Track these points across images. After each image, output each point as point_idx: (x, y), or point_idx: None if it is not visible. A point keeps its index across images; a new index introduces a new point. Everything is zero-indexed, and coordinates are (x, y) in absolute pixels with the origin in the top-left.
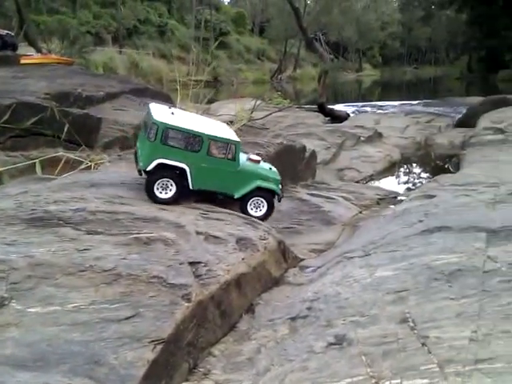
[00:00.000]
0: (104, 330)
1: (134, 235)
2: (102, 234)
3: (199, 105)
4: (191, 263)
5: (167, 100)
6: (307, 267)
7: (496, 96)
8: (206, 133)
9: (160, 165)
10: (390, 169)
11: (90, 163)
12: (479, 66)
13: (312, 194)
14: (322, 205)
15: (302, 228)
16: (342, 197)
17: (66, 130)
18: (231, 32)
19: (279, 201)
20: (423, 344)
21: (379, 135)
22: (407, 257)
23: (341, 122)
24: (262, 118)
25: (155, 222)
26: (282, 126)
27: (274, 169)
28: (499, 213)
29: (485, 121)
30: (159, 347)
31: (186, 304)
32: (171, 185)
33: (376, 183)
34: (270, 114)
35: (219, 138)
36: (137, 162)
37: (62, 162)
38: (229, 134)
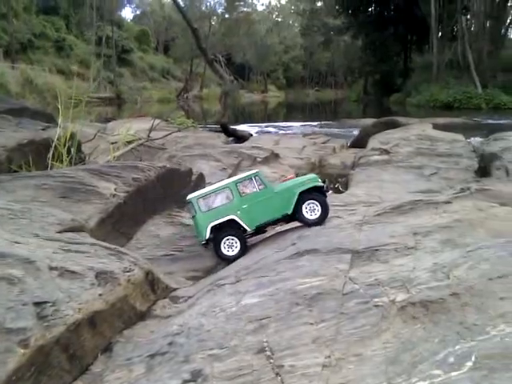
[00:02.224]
0: None
1: None
2: None
3: (96, 124)
4: (36, 303)
5: (49, 120)
6: (179, 297)
7: (386, 118)
8: (230, 181)
9: (213, 228)
10: None
11: None
12: (374, 89)
13: None
14: None
15: (182, 254)
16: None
17: None
18: (134, 49)
19: (327, 191)
20: (277, 374)
21: (276, 156)
22: (274, 282)
23: (244, 142)
24: (160, 138)
25: (1, 259)
26: (179, 147)
27: (310, 174)
28: (365, 234)
29: (374, 142)
30: None
31: (23, 350)
32: (235, 241)
33: None
34: (169, 134)
35: (241, 178)
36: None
37: None
38: (251, 171)
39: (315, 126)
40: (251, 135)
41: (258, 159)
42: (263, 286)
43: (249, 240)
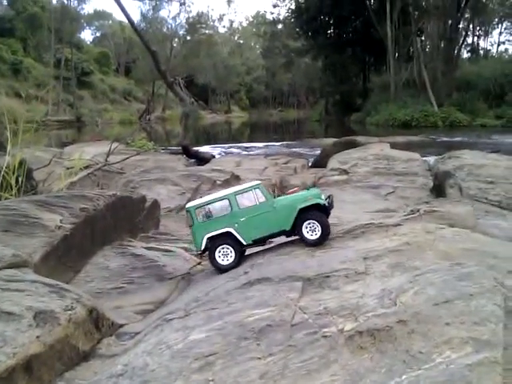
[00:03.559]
0: None
1: None
2: None
3: (52, 148)
4: None
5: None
6: (126, 334)
7: (346, 138)
8: (229, 192)
9: (210, 240)
10: None
11: None
12: (335, 109)
13: (149, 248)
14: (158, 259)
15: (132, 287)
16: (182, 248)
17: None
18: (94, 72)
19: (330, 210)
20: None
21: (236, 178)
22: (223, 315)
23: (206, 163)
24: (118, 162)
25: None
26: (138, 171)
27: (314, 189)
28: (317, 259)
29: (333, 162)
30: None
31: None
32: (230, 250)
33: None
34: (128, 157)
35: (241, 190)
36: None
37: None
38: (252, 183)
39: (278, 146)
40: (213, 157)
41: (218, 182)
42: (212, 320)
43: (248, 249)
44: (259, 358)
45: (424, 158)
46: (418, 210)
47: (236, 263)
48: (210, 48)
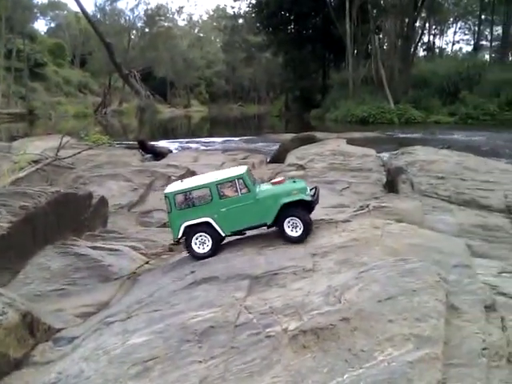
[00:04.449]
0: None
1: None
2: None
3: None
4: None
5: None
6: (64, 339)
7: (304, 133)
8: (211, 181)
9: (187, 227)
10: None
11: None
12: (295, 104)
13: (94, 247)
14: (103, 258)
15: (74, 288)
16: (130, 246)
17: None
18: (48, 63)
19: (314, 205)
20: None
21: (192, 174)
22: (166, 317)
23: (163, 158)
24: (69, 157)
25: None
26: (88, 166)
27: (300, 181)
28: (266, 257)
29: (291, 157)
30: None
31: None
32: (207, 239)
33: None
34: (79, 152)
35: (223, 179)
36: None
37: None
38: (234, 171)
39: (238, 141)
40: (171, 151)
41: (173, 177)
42: (154, 322)
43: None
44: (200, 362)
45: (378, 154)
46: (368, 206)
47: (213, 252)
48: (168, 41)
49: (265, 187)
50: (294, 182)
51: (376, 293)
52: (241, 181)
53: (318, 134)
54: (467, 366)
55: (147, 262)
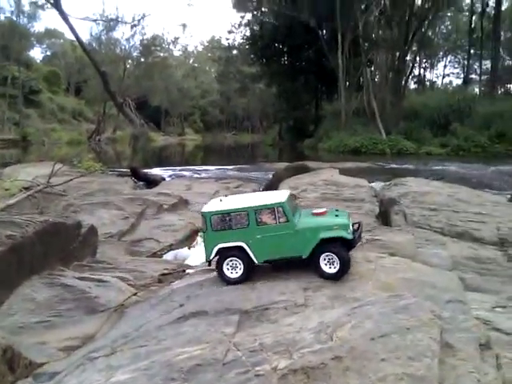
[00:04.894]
0: None
1: None
2: None
3: None
4: None
5: None
6: (45, 374)
7: (297, 163)
8: (250, 205)
9: (221, 249)
10: (191, 237)
11: None
12: (288, 134)
13: (82, 278)
14: (90, 290)
15: (59, 320)
16: (118, 277)
17: None
18: (43, 90)
19: (353, 246)
20: None
21: (185, 202)
22: (152, 353)
23: (155, 186)
24: (60, 184)
25: None
26: (80, 194)
27: (343, 215)
28: (257, 290)
29: (284, 186)
30: None
31: None
32: (239, 263)
33: (172, 254)
34: (71, 179)
35: (263, 205)
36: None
37: None
38: (275, 198)
39: (231, 169)
40: (164, 179)
41: (165, 206)
42: (139, 359)
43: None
44: None
45: (371, 185)
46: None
47: (244, 278)
48: (164, 70)
49: (305, 217)
50: (337, 214)
51: (369, 330)
52: (280, 209)
53: (311, 164)
54: None
55: (135, 294)
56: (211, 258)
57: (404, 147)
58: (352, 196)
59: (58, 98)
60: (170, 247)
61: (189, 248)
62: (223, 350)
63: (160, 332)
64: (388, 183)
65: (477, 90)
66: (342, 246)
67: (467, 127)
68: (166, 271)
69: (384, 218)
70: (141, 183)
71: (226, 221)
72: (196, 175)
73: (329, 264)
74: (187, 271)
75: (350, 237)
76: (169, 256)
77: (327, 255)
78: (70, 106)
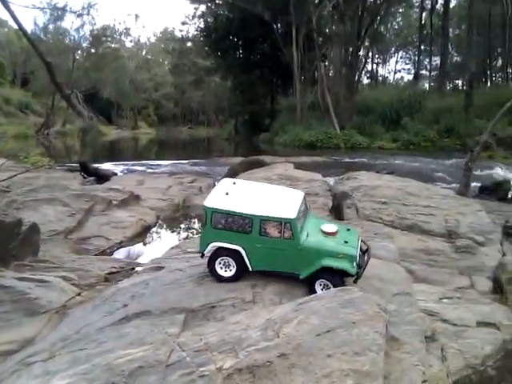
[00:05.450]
0: None
1: None
2: None
3: None
4: None
5: None
6: None
7: (253, 157)
8: (256, 214)
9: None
10: (142, 234)
11: None
12: (244, 128)
13: (21, 278)
14: (30, 290)
15: None
16: (61, 277)
17: None
18: None
19: (355, 281)
20: None
21: (136, 198)
22: (92, 356)
23: (106, 181)
24: (3, 180)
25: None
26: (24, 190)
27: (353, 239)
28: (204, 288)
29: None
30: None
31: None
32: (232, 263)
33: (122, 252)
34: (15, 175)
35: (270, 217)
36: None
37: None
38: (286, 211)
39: (186, 164)
40: (115, 174)
41: (115, 202)
42: (78, 363)
43: None
44: None
45: (325, 179)
46: None
47: (237, 277)
48: (115, 62)
49: (313, 235)
50: (346, 241)
51: (315, 326)
52: (288, 225)
53: (267, 158)
54: None
55: (79, 294)
56: (205, 252)
57: (357, 142)
58: (306, 190)
59: (2, 90)
60: (120, 244)
61: (144, 245)
62: (167, 351)
63: (101, 334)
64: (341, 177)
65: (427, 85)
66: (342, 276)
67: (417, 122)
68: (113, 269)
69: (337, 212)
70: (91, 178)
71: (227, 221)
72: (149, 170)
73: (324, 288)
74: (136, 269)
75: (353, 272)
76: (119, 254)
77: (325, 282)
78: (16, 99)
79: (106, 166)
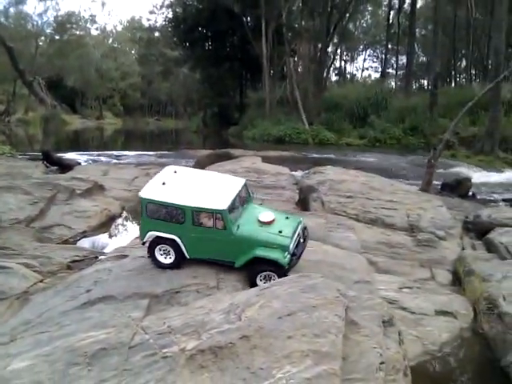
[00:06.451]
0: None
1: None
2: None
3: None
4: None
5: None
6: None
7: (221, 150)
8: (188, 205)
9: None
10: (107, 224)
11: None
12: (213, 121)
13: None
14: None
15: None
16: (22, 263)
17: None
18: None
19: (286, 273)
20: None
21: (100, 187)
22: (54, 339)
23: (69, 171)
24: None
25: None
26: None
27: (288, 229)
28: (168, 274)
29: None
30: None
31: None
32: (171, 251)
33: (86, 241)
34: None
35: (202, 208)
36: None
37: None
38: (217, 202)
39: (153, 155)
40: (79, 164)
41: (78, 191)
42: (40, 345)
43: None
44: None
45: (292, 173)
46: None
47: (177, 264)
48: (80, 49)
49: (247, 223)
50: (281, 230)
51: (277, 309)
52: (220, 216)
53: (235, 151)
54: (365, 381)
55: (41, 281)
56: (144, 241)
57: (325, 137)
58: (273, 183)
59: None
60: (84, 234)
61: (108, 234)
62: (130, 334)
63: (64, 317)
64: (308, 171)
65: (393, 84)
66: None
67: (384, 120)
68: (77, 258)
69: (303, 205)
70: (54, 168)
71: (162, 211)
72: (115, 161)
73: (266, 280)
74: (100, 257)
75: (284, 262)
76: (82, 243)
77: (266, 274)
78: None
79: (70, 156)
